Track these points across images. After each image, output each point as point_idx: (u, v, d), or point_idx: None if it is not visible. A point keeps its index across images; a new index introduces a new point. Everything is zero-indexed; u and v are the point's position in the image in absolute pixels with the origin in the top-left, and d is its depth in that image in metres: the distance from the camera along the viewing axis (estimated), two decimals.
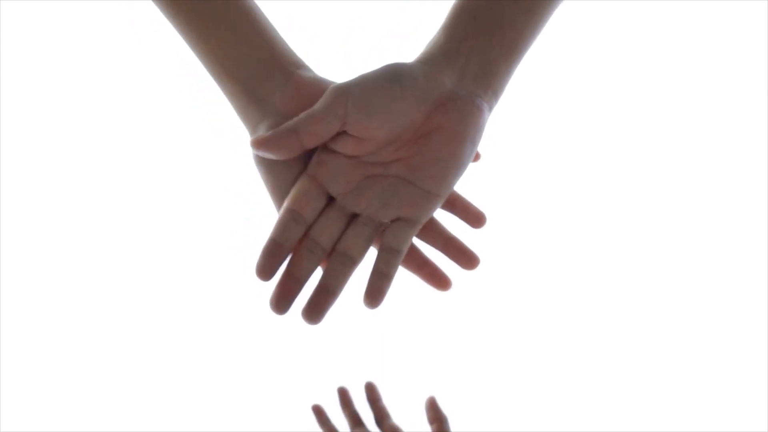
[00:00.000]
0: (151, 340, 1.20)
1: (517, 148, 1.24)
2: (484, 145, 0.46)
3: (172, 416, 1.14)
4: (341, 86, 0.43)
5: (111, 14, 1.19)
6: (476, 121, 0.44)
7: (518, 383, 1.16)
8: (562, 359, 1.18)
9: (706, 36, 1.21)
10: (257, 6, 0.47)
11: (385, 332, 1.14)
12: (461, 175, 0.45)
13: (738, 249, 1.21)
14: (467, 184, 0.50)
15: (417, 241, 0.48)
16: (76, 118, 1.23)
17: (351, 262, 0.45)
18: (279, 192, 0.45)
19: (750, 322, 1.18)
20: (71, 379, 1.17)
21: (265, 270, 0.43)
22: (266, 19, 0.47)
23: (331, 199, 0.45)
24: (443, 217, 0.49)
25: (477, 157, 0.49)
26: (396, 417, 0.72)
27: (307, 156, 0.46)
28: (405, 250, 0.45)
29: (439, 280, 0.47)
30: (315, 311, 0.44)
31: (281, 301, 0.43)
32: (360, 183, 0.45)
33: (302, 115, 0.43)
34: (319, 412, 0.72)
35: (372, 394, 0.70)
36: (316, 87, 0.45)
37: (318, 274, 0.46)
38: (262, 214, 1.22)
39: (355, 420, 0.70)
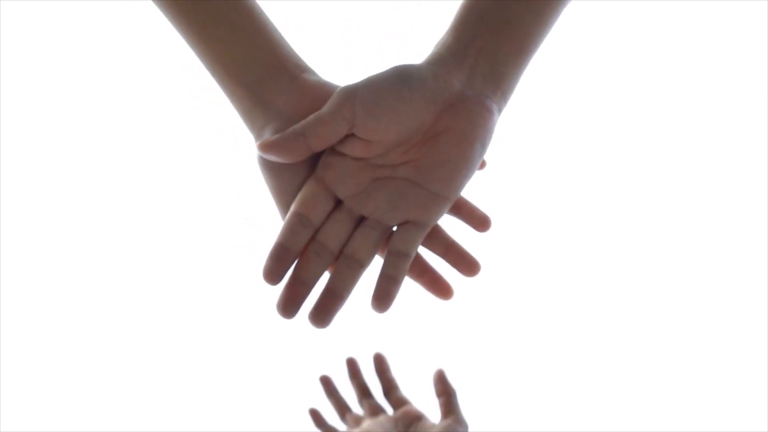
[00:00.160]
0: (151, 339, 1.19)
1: (522, 151, 1.23)
2: (491, 149, 0.46)
3: (173, 416, 1.14)
4: (349, 88, 0.43)
5: (111, 14, 1.19)
6: (485, 122, 0.43)
7: (519, 384, 1.16)
8: (565, 364, 1.18)
9: (708, 37, 1.21)
10: (261, 8, 0.46)
11: (386, 335, 1.14)
12: (470, 177, 0.45)
13: (742, 252, 1.21)
14: (471, 188, 0.49)
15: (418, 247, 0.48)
16: (76, 118, 1.23)
17: (359, 265, 0.44)
18: (284, 196, 0.45)
19: (751, 322, 1.18)
20: (72, 379, 1.16)
21: (273, 274, 0.43)
22: (270, 21, 0.46)
23: (338, 202, 0.45)
24: (445, 222, 0.49)
25: (482, 165, 0.49)
26: (404, 389, 0.71)
27: (313, 160, 0.45)
28: (413, 253, 0.45)
29: (441, 288, 0.46)
30: (322, 315, 0.43)
31: (288, 305, 0.43)
32: (368, 185, 0.44)
33: (310, 117, 0.43)
34: (326, 383, 0.71)
35: (380, 365, 0.69)
36: (321, 90, 0.44)
37: (326, 277, 0.46)
38: (262, 214, 1.22)
39: (363, 391, 0.69)
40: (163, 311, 1.21)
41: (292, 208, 0.44)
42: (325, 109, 0.43)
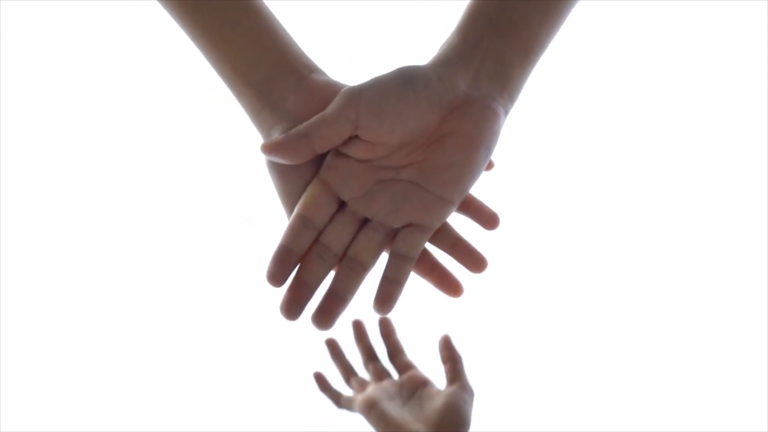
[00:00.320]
0: (151, 339, 1.19)
1: (529, 151, 1.23)
2: (498, 149, 0.45)
3: (174, 417, 1.14)
4: (353, 89, 0.42)
5: (112, 14, 1.19)
6: (492, 125, 0.43)
7: (520, 385, 1.16)
8: (571, 362, 1.17)
9: (710, 37, 1.21)
10: (268, 8, 0.46)
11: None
12: (475, 180, 0.44)
13: (744, 254, 1.21)
14: (478, 186, 0.49)
15: (426, 244, 0.48)
16: (76, 118, 1.22)
17: (362, 267, 0.44)
18: (290, 197, 0.45)
19: (753, 322, 1.18)
20: (72, 379, 1.16)
21: (276, 276, 0.43)
22: (278, 21, 0.46)
23: (342, 204, 0.45)
24: (453, 219, 0.48)
25: (490, 166, 0.48)
26: (410, 353, 0.70)
27: (319, 161, 0.45)
28: (416, 256, 0.45)
29: (450, 286, 0.46)
30: (325, 317, 0.43)
31: (292, 307, 0.43)
32: (372, 188, 0.44)
33: (313, 119, 0.42)
34: (332, 345, 0.70)
35: (386, 328, 0.68)
36: (330, 90, 0.44)
37: (329, 279, 0.46)
38: (262, 214, 1.21)
39: (368, 354, 0.68)
40: (163, 311, 1.21)
41: (296, 210, 0.44)
42: (329, 110, 0.42)
